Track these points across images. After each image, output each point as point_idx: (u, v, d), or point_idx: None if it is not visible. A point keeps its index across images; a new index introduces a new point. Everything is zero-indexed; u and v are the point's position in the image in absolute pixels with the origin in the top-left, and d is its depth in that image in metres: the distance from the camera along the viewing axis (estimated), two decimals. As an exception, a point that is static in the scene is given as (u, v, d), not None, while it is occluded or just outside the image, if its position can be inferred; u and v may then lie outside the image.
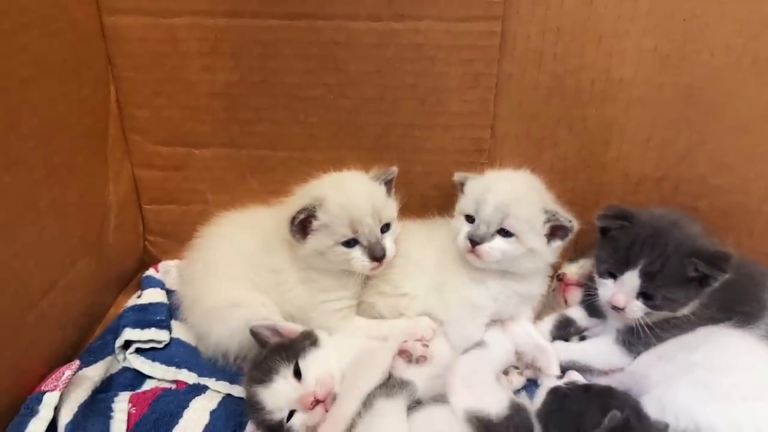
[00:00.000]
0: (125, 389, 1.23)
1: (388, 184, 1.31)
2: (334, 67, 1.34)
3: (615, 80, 1.33)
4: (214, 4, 1.30)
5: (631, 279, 1.15)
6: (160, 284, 1.49)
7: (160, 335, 1.35)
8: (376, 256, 1.21)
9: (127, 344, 1.32)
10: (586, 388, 1.08)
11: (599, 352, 1.26)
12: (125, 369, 1.29)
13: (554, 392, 1.07)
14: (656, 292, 1.14)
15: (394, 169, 1.31)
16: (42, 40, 1.15)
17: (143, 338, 1.33)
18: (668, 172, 1.41)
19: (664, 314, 1.18)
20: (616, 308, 1.18)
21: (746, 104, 1.33)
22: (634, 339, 1.22)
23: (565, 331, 1.33)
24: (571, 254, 1.46)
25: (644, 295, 1.15)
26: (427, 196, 1.45)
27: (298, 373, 1.10)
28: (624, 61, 1.31)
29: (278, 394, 1.09)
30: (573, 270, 1.43)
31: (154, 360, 1.31)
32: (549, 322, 1.34)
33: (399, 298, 1.32)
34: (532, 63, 1.33)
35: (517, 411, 1.04)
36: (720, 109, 1.34)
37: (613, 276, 1.19)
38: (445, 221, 1.34)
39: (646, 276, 1.14)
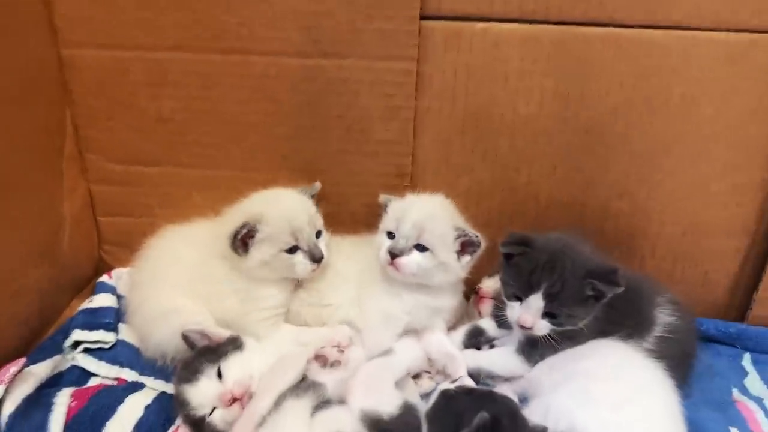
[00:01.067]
0: (71, 385, 1.29)
1: (313, 197, 1.43)
2: (269, 97, 1.42)
3: (522, 115, 1.42)
4: (161, 39, 1.40)
5: (536, 301, 1.21)
6: (111, 290, 1.56)
7: (107, 336, 1.42)
8: (316, 257, 1.33)
9: (77, 344, 1.38)
10: (470, 391, 1.14)
11: (502, 361, 1.33)
12: (73, 367, 1.35)
13: (443, 394, 1.13)
14: (559, 311, 1.20)
15: (318, 185, 1.45)
16: (2, 69, 1.26)
17: (91, 339, 1.39)
18: (575, 197, 1.50)
19: (560, 329, 1.23)
20: (524, 327, 1.23)
21: (642, 137, 1.43)
22: (533, 349, 1.29)
23: (476, 339, 1.40)
24: (490, 270, 1.53)
25: (548, 314, 1.21)
26: (357, 213, 1.53)
27: (220, 374, 1.17)
28: (529, 99, 1.40)
29: (202, 392, 1.16)
30: (489, 284, 1.49)
31: (100, 359, 1.37)
32: (462, 331, 1.41)
33: (323, 308, 1.40)
34: (447, 98, 1.41)
35: (407, 411, 1.14)
36: (619, 140, 1.43)
37: (519, 299, 1.23)
38: (369, 238, 1.41)
39: (548, 297, 1.19)
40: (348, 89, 1.41)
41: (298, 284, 1.42)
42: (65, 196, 1.49)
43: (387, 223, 1.34)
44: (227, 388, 1.15)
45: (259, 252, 1.31)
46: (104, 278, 1.62)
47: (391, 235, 1.31)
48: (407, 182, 1.50)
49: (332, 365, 1.26)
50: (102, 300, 1.53)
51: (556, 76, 1.38)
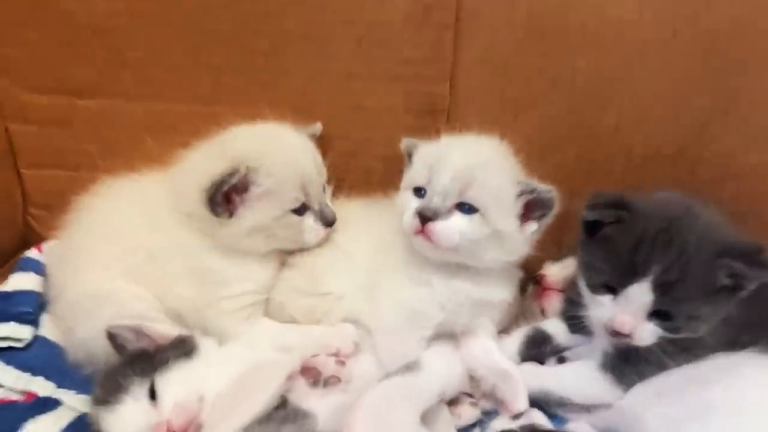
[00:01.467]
0: (-40, 398, 1.06)
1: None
2: None
3: (613, 21, 1.11)
4: None
5: (640, 293, 0.94)
6: (36, 268, 1.29)
7: (20, 332, 1.17)
8: (329, 219, 1.12)
9: None
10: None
11: (580, 381, 1.07)
12: None
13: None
14: (676, 309, 0.93)
15: (318, 126, 1.19)
16: None
17: None
18: (684, 147, 1.19)
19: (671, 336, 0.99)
20: (618, 334, 0.97)
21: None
22: (628, 366, 1.03)
23: (539, 349, 1.15)
24: (555, 251, 1.23)
25: (658, 314, 0.95)
26: (371, 170, 1.26)
27: (154, 394, 0.93)
28: None
29: (124, 420, 0.93)
30: (555, 271, 1.25)
31: (8, 362, 1.14)
32: (518, 337, 1.16)
33: (319, 298, 1.13)
34: None
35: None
36: (753, 63, 1.12)
37: (612, 290, 0.98)
38: (388, 203, 1.14)
39: (660, 288, 0.93)
40: (358, -20, 1.10)
41: (283, 262, 1.16)
42: None
43: (414, 175, 1.06)
44: (162, 416, 0.92)
45: (253, 213, 1.05)
46: (31, 252, 1.33)
47: (420, 192, 1.04)
48: (443, 121, 1.20)
49: (327, 383, 1.02)
50: (20, 281, 1.27)
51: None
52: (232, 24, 1.14)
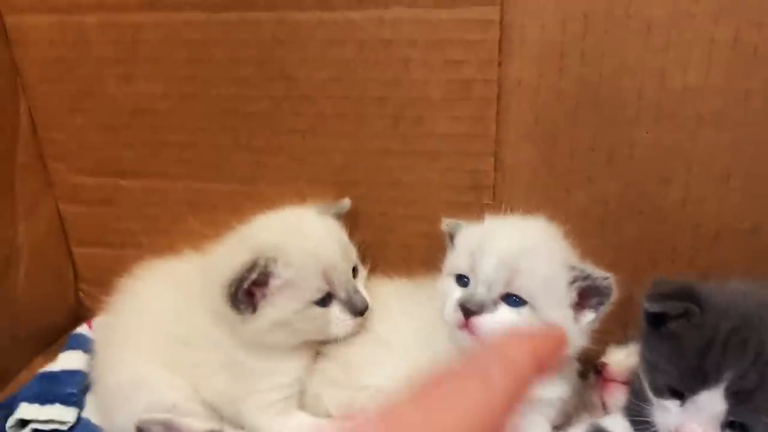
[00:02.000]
0: (5, 485, 1.05)
1: (339, 220, 1.07)
2: (280, 74, 1.05)
3: (675, 88, 0.97)
4: (129, -4, 1.07)
5: (711, 402, 0.81)
6: (85, 345, 1.26)
7: (65, 414, 1.13)
8: (358, 308, 1.00)
9: (24, 424, 1.12)
10: None
11: None
12: None
13: None
14: (755, 420, 0.80)
15: (347, 202, 1.10)
16: None
17: (42, 417, 1.11)
18: (761, 223, 1.03)
19: None
20: None
21: None
22: None
23: None
24: (619, 336, 1.10)
25: (734, 425, 0.81)
26: (411, 248, 1.15)
27: None
28: (688, 59, 0.95)
29: None
30: (619, 359, 1.10)
31: None
32: None
33: (357, 391, 1.02)
34: (550, 63, 0.98)
35: None
36: None
37: (680, 395, 0.85)
38: (429, 286, 1.04)
39: (735, 397, 0.79)
40: (393, 56, 1.02)
41: (317, 351, 1.07)
42: (20, 218, 1.20)
43: (456, 261, 0.95)
44: None
45: (274, 308, 0.95)
46: (81, 329, 1.31)
47: (463, 280, 0.94)
48: (488, 198, 1.10)
49: None
50: (69, 360, 1.23)
51: (735, 19, 0.91)
52: (267, 105, 1.09)
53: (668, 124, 1.00)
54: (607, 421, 1.01)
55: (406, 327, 1.04)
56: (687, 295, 0.85)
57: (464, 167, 1.08)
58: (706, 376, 0.80)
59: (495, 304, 0.88)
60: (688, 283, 0.86)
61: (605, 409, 1.07)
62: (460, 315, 0.89)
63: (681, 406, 0.84)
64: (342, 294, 0.98)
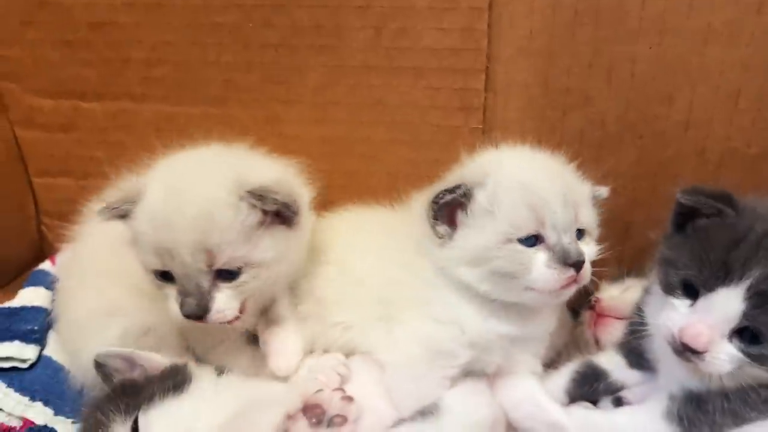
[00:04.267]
0: (-42, 424, 1.01)
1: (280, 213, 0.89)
2: None
3: None
4: None
5: (728, 301, 0.79)
6: (47, 281, 1.22)
7: (25, 352, 1.11)
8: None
9: None
10: None
11: (638, 430, 0.91)
12: None
13: None
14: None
15: (289, 194, 0.86)
16: None
17: (1, 354, 1.09)
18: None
19: (757, 373, 0.83)
20: (688, 349, 0.82)
21: None
22: (698, 414, 0.87)
23: (591, 387, 1.00)
24: (613, 269, 1.07)
25: (744, 334, 0.80)
26: (395, 174, 1.11)
27: None
28: None
29: None
30: (613, 294, 1.10)
31: (9, 384, 1.07)
32: (567, 373, 1.01)
33: (330, 328, 0.99)
34: None
35: None
36: None
37: (693, 294, 0.83)
38: (406, 213, 0.98)
39: (755, 299, 0.78)
40: (375, -42, 0.96)
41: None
42: None
43: (514, 220, 0.86)
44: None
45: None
46: (44, 265, 1.28)
47: (530, 241, 0.86)
48: (477, 122, 1.06)
49: (332, 423, 0.88)
50: (29, 296, 1.20)
51: None
52: (237, 15, 1.03)
53: (673, 38, 0.97)
54: (600, 358, 1.02)
55: (375, 261, 0.98)
56: (724, 198, 0.83)
57: (452, 85, 1.04)
58: (730, 271, 0.78)
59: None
60: (724, 190, 0.85)
61: (598, 345, 1.08)
62: (569, 272, 0.84)
63: (691, 306, 0.82)
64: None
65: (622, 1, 0.94)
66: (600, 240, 0.91)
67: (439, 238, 0.89)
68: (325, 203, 1.00)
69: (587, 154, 1.01)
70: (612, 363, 1.01)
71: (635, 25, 0.95)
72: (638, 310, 0.96)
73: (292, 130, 1.01)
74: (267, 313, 1.00)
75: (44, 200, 1.29)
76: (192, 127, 1.08)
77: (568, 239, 0.85)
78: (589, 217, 0.90)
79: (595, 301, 1.10)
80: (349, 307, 0.98)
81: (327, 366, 0.93)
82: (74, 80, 1.14)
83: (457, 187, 0.86)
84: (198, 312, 0.84)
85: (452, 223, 0.88)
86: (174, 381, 0.86)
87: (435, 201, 0.86)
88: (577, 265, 0.84)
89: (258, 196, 0.82)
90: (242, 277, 0.85)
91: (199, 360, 0.98)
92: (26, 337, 1.12)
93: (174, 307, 0.86)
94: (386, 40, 1.01)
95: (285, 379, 0.95)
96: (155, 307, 0.97)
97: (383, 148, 1.11)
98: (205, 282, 0.84)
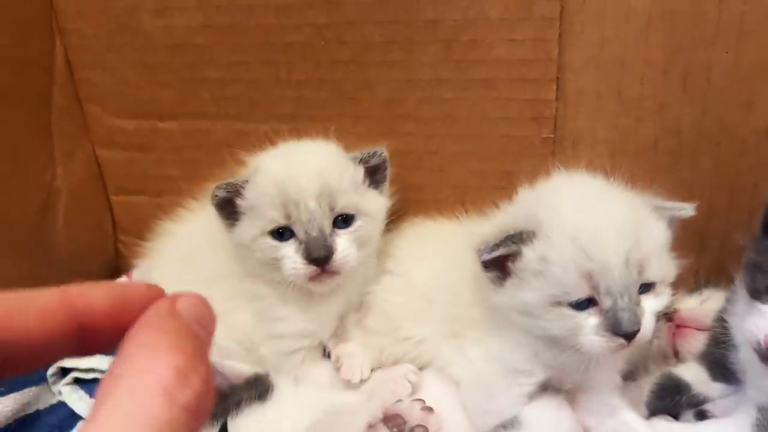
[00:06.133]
0: (51, 432, 1.03)
1: (374, 171, 1.00)
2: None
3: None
4: None
5: None
6: None
7: (106, 363, 1.12)
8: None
9: (65, 372, 1.12)
10: None
11: None
12: (59, 405, 1.10)
13: None
14: None
15: (383, 152, 0.99)
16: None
17: (83, 366, 1.11)
18: None
19: None
20: None
21: None
22: None
23: (671, 400, 0.97)
24: (690, 281, 1.07)
25: None
26: (464, 187, 1.11)
27: None
28: None
29: None
30: (691, 305, 1.07)
31: (92, 396, 1.10)
32: (647, 386, 0.99)
33: (400, 343, 1.00)
34: None
35: None
36: None
37: None
38: (478, 222, 0.96)
39: None
40: (444, -26, 0.97)
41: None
42: (57, 162, 1.18)
43: (563, 287, 0.78)
44: (234, 462, 0.82)
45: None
46: (120, 280, 1.31)
47: (582, 306, 0.79)
48: (548, 131, 1.04)
49: None
50: None
51: None
52: (308, 34, 1.05)
53: (752, 42, 0.94)
54: (681, 370, 0.98)
55: (444, 274, 0.96)
56: None
57: (523, 96, 1.03)
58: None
59: (638, 304, 0.78)
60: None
61: (677, 357, 1.04)
62: (619, 341, 0.77)
63: None
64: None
65: (698, 4, 0.91)
66: (675, 250, 0.84)
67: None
68: (392, 216, 1.02)
69: (662, 163, 1.00)
70: (694, 375, 0.98)
71: (712, 30, 0.92)
72: (720, 320, 0.93)
73: (359, 145, 1.02)
74: (336, 331, 1.02)
75: (121, 218, 1.33)
76: (263, 143, 1.11)
77: (624, 304, 0.76)
78: (660, 270, 0.80)
79: (673, 312, 1.06)
80: (419, 323, 0.98)
81: (398, 374, 0.93)
82: (153, 101, 1.18)
83: (504, 242, 0.80)
84: (325, 252, 0.90)
85: (503, 270, 0.82)
86: (258, 390, 0.88)
87: (480, 252, 0.81)
88: (629, 336, 0.77)
89: (362, 157, 0.97)
90: (356, 223, 0.94)
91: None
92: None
93: (291, 263, 0.91)
94: (457, 53, 1.01)
95: (358, 389, 0.96)
96: (221, 319, 1.01)
97: (452, 160, 1.10)
98: (327, 226, 0.92)
